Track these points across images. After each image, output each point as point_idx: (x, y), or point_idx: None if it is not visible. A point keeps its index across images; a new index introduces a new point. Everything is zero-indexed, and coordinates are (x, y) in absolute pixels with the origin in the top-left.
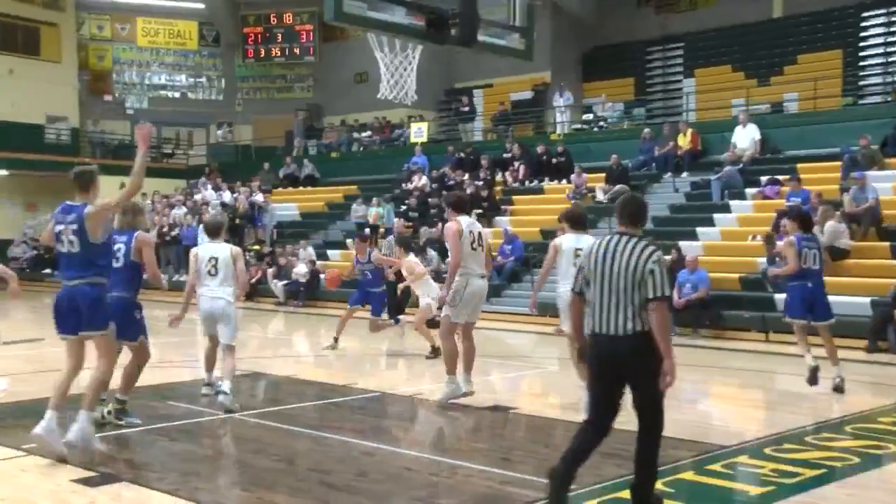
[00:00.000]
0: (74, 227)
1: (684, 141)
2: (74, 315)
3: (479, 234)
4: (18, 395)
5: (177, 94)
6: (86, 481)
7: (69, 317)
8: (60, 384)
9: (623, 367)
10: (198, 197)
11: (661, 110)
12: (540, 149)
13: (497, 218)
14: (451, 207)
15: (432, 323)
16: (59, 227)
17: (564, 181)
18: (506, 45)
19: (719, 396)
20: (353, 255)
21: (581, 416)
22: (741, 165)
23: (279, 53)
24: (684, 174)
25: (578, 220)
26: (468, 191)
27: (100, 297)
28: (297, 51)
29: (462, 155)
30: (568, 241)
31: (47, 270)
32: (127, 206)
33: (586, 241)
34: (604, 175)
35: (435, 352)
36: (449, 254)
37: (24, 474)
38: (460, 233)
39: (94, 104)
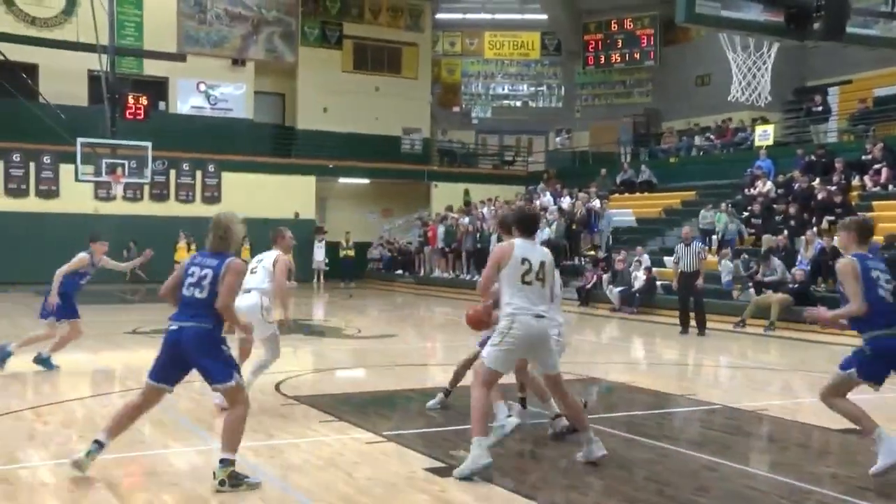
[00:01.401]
0: None
1: None
2: None
3: (542, 263)
4: (376, 385)
5: (518, 103)
6: (436, 471)
7: None
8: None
9: None
10: (536, 203)
11: None
12: None
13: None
14: (499, 227)
15: None
16: None
17: None
18: (880, 36)
19: None
20: None
21: None
22: None
23: (619, 59)
24: None
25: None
26: (819, 196)
27: None
28: (637, 55)
29: (813, 158)
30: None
31: (399, 271)
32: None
33: None
34: None
35: None
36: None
37: (384, 458)
38: (507, 256)
39: (444, 115)
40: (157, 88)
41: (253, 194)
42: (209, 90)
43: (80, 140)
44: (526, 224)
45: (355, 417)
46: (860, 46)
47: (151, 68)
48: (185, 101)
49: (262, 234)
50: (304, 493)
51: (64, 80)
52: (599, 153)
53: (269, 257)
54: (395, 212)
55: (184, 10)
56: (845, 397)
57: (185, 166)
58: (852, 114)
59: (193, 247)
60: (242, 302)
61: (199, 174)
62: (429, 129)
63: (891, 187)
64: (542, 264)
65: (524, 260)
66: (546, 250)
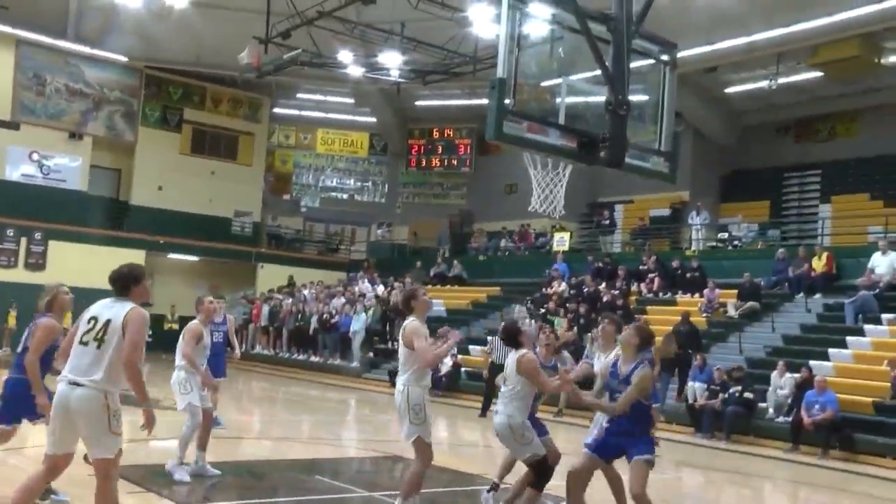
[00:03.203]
0: None
1: (819, 264)
2: None
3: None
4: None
5: (345, 196)
6: None
7: None
8: None
9: None
10: (355, 289)
11: (796, 233)
12: (675, 263)
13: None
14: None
15: None
16: None
17: (697, 295)
18: (651, 168)
19: None
20: None
21: None
22: (877, 291)
23: (439, 164)
24: (817, 295)
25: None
26: (604, 298)
27: None
28: (454, 162)
29: (601, 265)
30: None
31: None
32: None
33: None
34: (736, 291)
35: None
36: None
37: None
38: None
39: (274, 202)
40: None
41: (80, 263)
42: (43, 160)
43: None
44: None
45: (165, 489)
46: (637, 174)
47: None
48: (16, 169)
49: (91, 300)
50: None
51: None
52: (417, 247)
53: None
54: (222, 289)
55: (21, 82)
56: None
57: (10, 232)
58: (633, 229)
59: (14, 313)
60: None
61: (24, 241)
62: (259, 213)
63: (661, 294)
64: None
65: None
66: None
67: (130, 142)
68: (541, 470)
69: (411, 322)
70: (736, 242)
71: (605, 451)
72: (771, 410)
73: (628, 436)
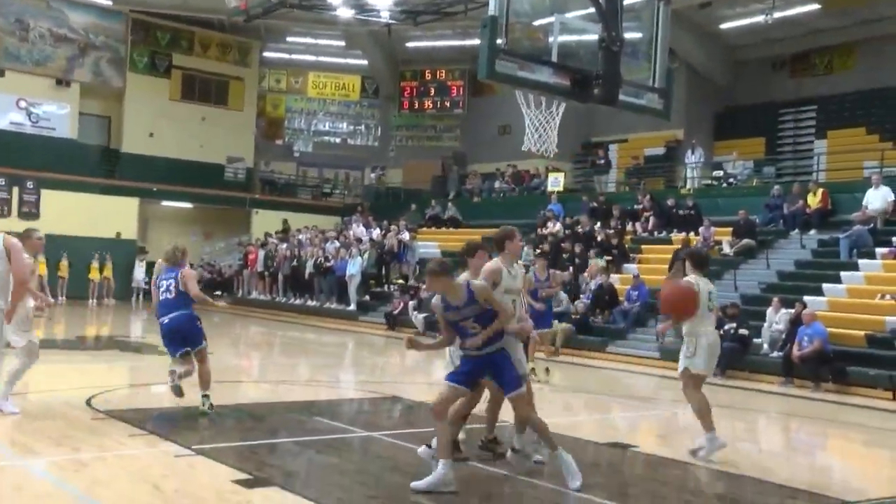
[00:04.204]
0: None
1: (814, 200)
2: None
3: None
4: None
5: (338, 140)
6: (244, 483)
7: None
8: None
9: None
10: (350, 233)
11: (791, 169)
12: (670, 202)
13: (626, 265)
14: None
15: None
16: None
17: (692, 233)
18: (645, 105)
19: (840, 451)
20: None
21: (699, 461)
22: (872, 225)
23: (431, 106)
24: (812, 231)
25: (705, 263)
26: (599, 238)
27: None
28: (447, 104)
29: (595, 204)
30: (702, 284)
31: (218, 292)
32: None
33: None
34: (731, 229)
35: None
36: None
37: (192, 470)
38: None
39: (267, 147)
40: None
41: (75, 212)
42: (30, 108)
43: None
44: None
45: (165, 431)
46: (632, 112)
47: None
48: (4, 117)
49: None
50: None
51: None
52: (410, 189)
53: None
54: (217, 235)
55: (3, 27)
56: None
57: (1, 181)
58: (627, 168)
59: None
60: None
61: (16, 190)
62: (252, 159)
63: (656, 233)
64: None
65: None
66: None
67: (119, 88)
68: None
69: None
70: (731, 180)
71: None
72: (765, 346)
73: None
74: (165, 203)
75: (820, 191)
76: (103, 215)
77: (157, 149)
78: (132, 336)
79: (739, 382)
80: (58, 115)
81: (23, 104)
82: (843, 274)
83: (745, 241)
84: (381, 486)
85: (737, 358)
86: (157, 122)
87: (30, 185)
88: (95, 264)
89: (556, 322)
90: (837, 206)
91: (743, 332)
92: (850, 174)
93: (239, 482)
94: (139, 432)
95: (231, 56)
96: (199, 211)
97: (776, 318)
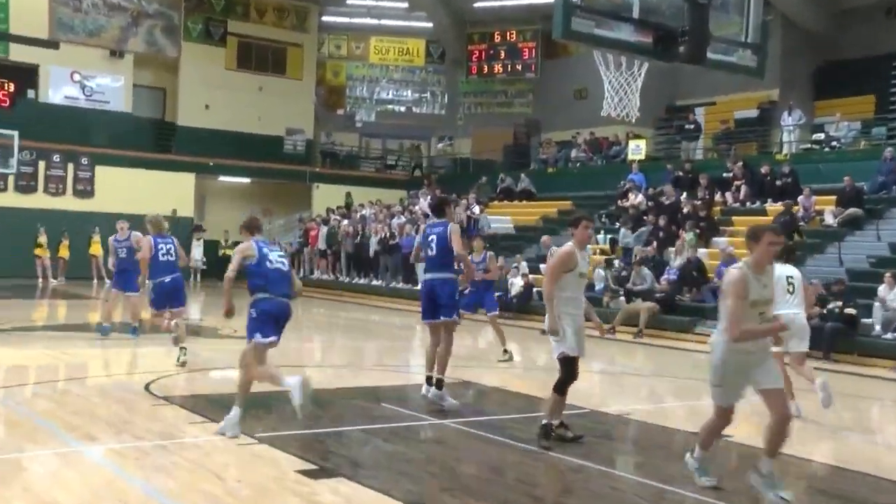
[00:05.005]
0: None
1: None
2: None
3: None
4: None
5: (402, 109)
6: (308, 473)
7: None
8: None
9: None
10: (416, 207)
11: None
12: (764, 169)
13: (714, 238)
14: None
15: None
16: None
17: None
18: (736, 62)
19: None
20: None
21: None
22: None
23: (501, 70)
24: None
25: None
26: (685, 209)
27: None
28: (518, 67)
29: (680, 173)
30: (779, 269)
31: None
32: None
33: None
34: (834, 198)
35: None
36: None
37: (255, 459)
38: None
39: (328, 117)
40: (27, 76)
41: (129, 190)
42: (84, 81)
43: None
44: None
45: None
46: (721, 71)
47: (19, 54)
48: (58, 91)
49: (141, 228)
50: (168, 496)
51: None
52: (480, 160)
53: None
54: (276, 212)
55: None
56: None
57: (56, 158)
58: (715, 133)
59: (66, 241)
60: None
61: (70, 167)
62: (312, 130)
63: (748, 204)
64: None
65: None
66: None
67: (173, 58)
68: (566, 371)
69: None
70: (834, 143)
71: None
72: (877, 327)
73: None
74: (222, 178)
75: None
76: (159, 192)
77: (214, 121)
78: (190, 318)
79: (847, 367)
80: (112, 88)
81: (77, 77)
82: None
83: (852, 210)
84: (453, 478)
85: (843, 340)
86: (212, 93)
87: (84, 161)
88: None
89: (639, 301)
90: None
91: (850, 311)
92: None
93: (303, 472)
94: (199, 419)
95: (288, 21)
96: (258, 186)
97: (889, 296)
